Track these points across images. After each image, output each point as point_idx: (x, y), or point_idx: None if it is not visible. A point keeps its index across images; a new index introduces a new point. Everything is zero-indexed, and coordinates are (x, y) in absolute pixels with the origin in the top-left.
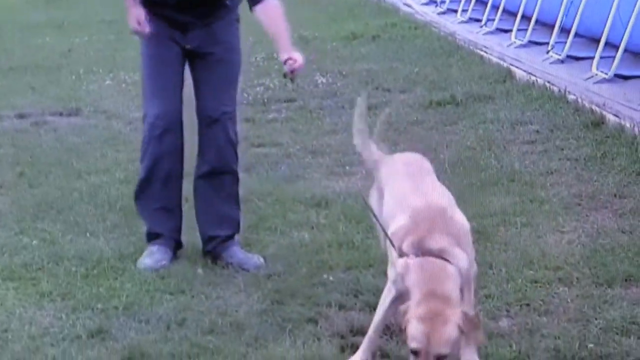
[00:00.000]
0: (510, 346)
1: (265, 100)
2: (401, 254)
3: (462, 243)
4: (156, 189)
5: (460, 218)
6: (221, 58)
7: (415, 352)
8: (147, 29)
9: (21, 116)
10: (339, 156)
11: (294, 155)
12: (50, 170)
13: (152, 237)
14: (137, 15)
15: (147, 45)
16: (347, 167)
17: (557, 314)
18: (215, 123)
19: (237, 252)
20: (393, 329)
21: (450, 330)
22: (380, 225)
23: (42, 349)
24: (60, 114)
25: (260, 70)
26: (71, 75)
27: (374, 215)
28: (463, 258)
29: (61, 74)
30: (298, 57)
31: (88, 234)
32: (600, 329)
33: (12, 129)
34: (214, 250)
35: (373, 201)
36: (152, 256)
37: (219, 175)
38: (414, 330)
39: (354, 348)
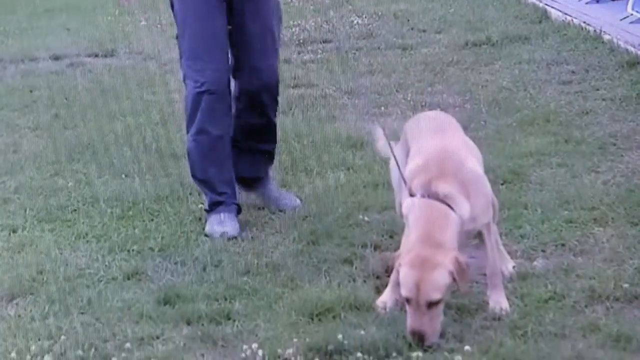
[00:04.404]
0: (546, 286)
1: (301, 41)
2: (410, 194)
3: (470, 191)
4: (207, 155)
5: (472, 165)
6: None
7: (407, 300)
8: None
9: (56, 58)
10: (374, 97)
11: (330, 96)
12: (86, 112)
13: (214, 205)
14: None
15: (185, 6)
16: (382, 108)
17: (592, 254)
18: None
19: (272, 190)
20: None
21: (440, 276)
22: (398, 164)
23: (78, 290)
24: (96, 56)
25: (296, 11)
26: (107, 16)
27: (395, 159)
28: (466, 207)
29: (96, 15)
30: None
31: (123, 176)
32: (635, 269)
33: (48, 70)
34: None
35: (398, 157)
36: (223, 223)
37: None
38: (404, 277)
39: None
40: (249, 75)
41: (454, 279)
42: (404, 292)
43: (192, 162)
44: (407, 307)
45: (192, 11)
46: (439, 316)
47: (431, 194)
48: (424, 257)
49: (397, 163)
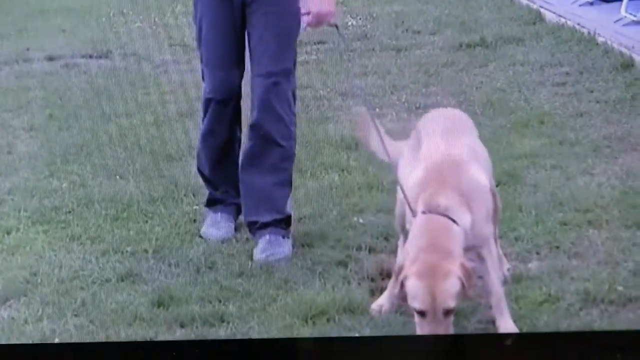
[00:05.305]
0: (540, 288)
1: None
2: (414, 215)
3: (472, 202)
4: (213, 157)
5: (476, 174)
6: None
7: (422, 312)
8: None
9: (51, 59)
10: (369, 98)
11: (324, 98)
12: (80, 113)
13: (213, 202)
14: None
15: (200, 9)
16: (377, 110)
17: (586, 257)
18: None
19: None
20: None
21: (452, 284)
22: (401, 185)
23: (72, 292)
24: (91, 57)
25: None
26: (101, 17)
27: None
28: (467, 218)
29: (91, 16)
30: (313, 7)
31: (118, 177)
32: (629, 271)
33: (42, 71)
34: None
35: (405, 160)
36: (218, 225)
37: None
38: (415, 288)
39: (384, 291)
40: (255, 83)
41: (463, 286)
42: (419, 305)
43: (198, 158)
44: (420, 320)
45: (207, 18)
46: (451, 325)
47: (432, 209)
48: (432, 266)
49: (402, 188)
